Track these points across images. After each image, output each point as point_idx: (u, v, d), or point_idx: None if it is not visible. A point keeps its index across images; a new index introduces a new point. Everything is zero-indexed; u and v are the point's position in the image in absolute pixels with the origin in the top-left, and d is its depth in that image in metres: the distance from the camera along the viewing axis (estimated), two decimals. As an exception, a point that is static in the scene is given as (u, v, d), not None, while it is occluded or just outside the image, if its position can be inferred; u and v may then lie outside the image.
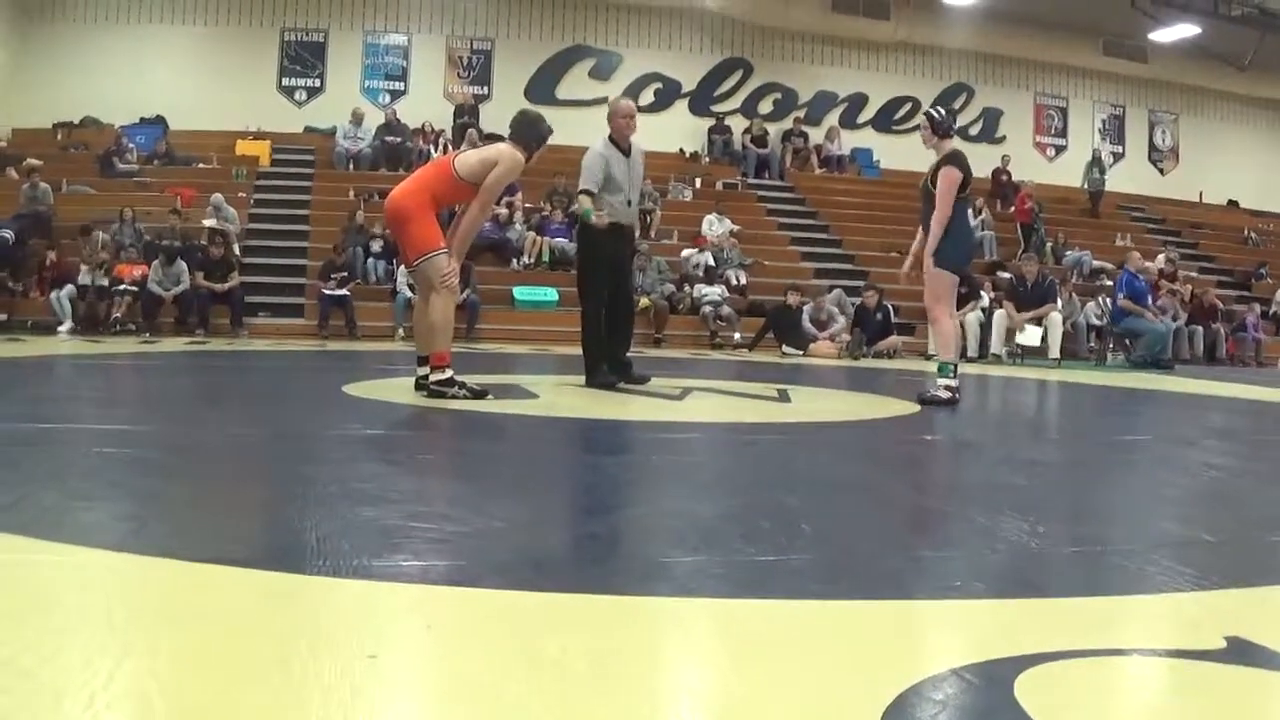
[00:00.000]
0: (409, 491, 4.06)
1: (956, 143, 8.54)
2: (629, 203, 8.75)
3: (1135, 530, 3.75)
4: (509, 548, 3.11)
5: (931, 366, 15.01)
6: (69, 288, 16.47)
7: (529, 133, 7.69)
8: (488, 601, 2.47)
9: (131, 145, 21.20)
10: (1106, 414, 9.65)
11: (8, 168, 20.37)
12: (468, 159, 7.50)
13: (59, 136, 22.13)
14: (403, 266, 17.37)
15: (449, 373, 7.24)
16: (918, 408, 7.87)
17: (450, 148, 21.53)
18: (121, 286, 16.73)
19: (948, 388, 8.13)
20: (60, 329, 15.96)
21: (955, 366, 8.34)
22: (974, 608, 2.61)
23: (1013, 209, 23.62)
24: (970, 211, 8.60)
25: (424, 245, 7.29)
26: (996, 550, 3.22)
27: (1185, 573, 2.89)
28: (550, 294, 18.03)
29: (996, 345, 17.03)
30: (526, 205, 20.44)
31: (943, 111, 8.56)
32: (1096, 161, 26.41)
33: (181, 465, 4.46)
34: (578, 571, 2.86)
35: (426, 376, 7.33)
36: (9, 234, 16.99)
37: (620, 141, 8.72)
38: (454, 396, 7.09)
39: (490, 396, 7.23)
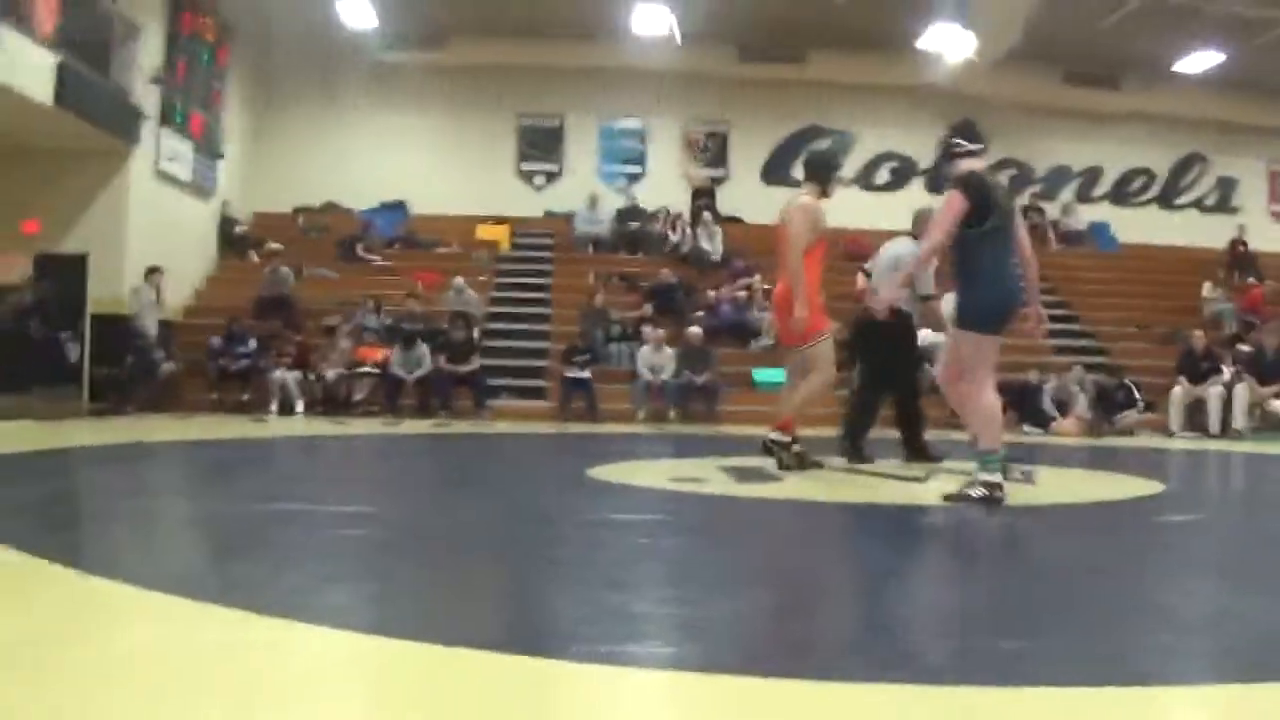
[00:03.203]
0: (657, 576, 4.09)
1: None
2: None
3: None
4: (756, 634, 3.11)
5: (1173, 443, 14.56)
6: (296, 373, 16.74)
7: (820, 169, 8.25)
8: (737, 689, 2.46)
9: (374, 232, 21.84)
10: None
11: (249, 251, 21.04)
12: (793, 222, 7.88)
13: (299, 221, 22.52)
14: (643, 349, 17.44)
15: (789, 436, 8.02)
16: (1161, 487, 7.55)
17: (688, 230, 21.57)
18: (364, 369, 17.19)
19: (986, 484, 6.10)
20: (272, 407, 16.20)
21: (999, 457, 6.26)
22: (1228, 693, 2.53)
23: (1248, 284, 22.62)
24: (1006, 252, 6.57)
25: (808, 330, 7.93)
26: (1248, 634, 3.11)
27: None
28: (790, 374, 17.82)
29: (1239, 420, 16.27)
30: (765, 287, 20.35)
31: (949, 131, 6.65)
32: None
33: (428, 548, 4.56)
34: (827, 659, 2.83)
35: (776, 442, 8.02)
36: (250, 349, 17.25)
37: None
38: (784, 463, 7.84)
39: (822, 467, 8.00)
